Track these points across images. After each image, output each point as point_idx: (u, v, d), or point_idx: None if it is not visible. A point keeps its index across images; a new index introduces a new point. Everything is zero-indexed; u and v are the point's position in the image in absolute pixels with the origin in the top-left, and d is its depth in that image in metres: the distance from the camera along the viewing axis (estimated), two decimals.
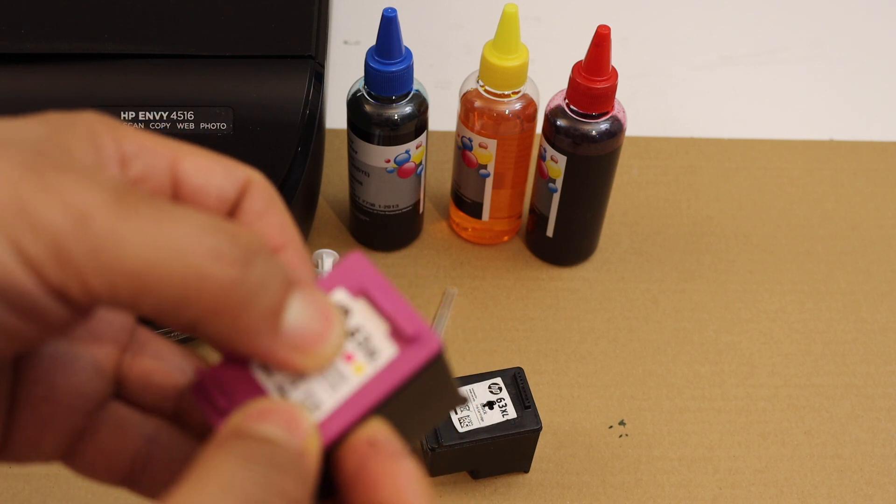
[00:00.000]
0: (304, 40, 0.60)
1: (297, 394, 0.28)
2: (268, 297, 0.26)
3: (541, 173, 0.66)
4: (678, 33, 0.89)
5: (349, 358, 0.29)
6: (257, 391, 0.28)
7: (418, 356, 0.28)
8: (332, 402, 0.28)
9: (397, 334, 0.29)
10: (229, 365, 0.29)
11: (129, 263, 0.24)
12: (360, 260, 0.30)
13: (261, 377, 0.29)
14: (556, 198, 0.66)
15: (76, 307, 0.25)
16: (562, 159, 0.64)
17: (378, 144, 0.63)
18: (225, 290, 0.25)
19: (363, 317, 0.29)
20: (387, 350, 0.29)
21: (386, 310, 0.29)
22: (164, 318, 0.26)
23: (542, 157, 0.66)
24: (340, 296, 0.29)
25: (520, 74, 0.62)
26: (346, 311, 0.29)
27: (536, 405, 0.57)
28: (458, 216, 0.71)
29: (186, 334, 0.30)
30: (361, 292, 0.29)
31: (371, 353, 0.29)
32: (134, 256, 0.24)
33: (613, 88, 0.61)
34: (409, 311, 0.29)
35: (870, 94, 0.84)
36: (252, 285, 0.26)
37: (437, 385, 0.30)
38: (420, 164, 0.66)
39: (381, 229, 0.69)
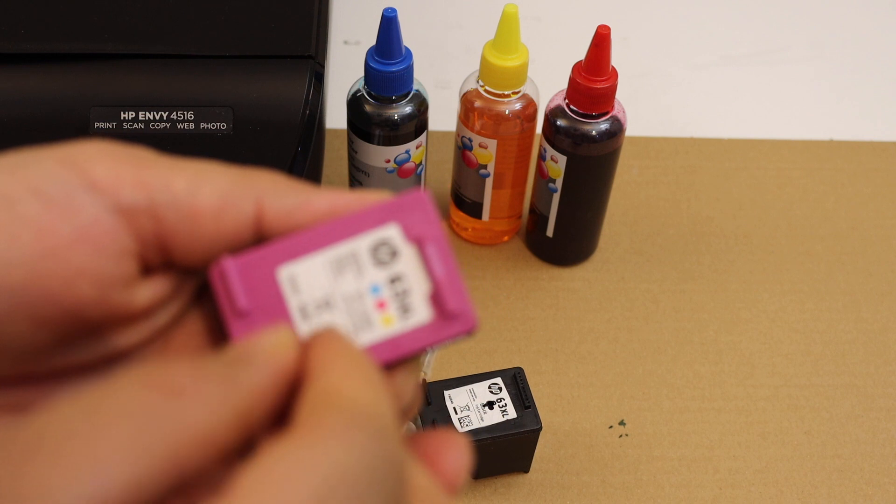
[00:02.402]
0: (304, 40, 0.60)
1: (319, 322, 0.27)
2: None
3: (541, 173, 0.66)
4: (678, 33, 0.88)
5: (381, 305, 0.27)
6: (279, 304, 0.27)
7: (450, 331, 0.27)
8: None
9: (438, 302, 0.27)
10: (258, 260, 0.27)
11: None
12: (425, 203, 0.27)
13: (287, 289, 0.27)
14: (556, 198, 0.66)
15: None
16: (562, 159, 0.64)
17: (378, 144, 0.63)
18: None
19: (409, 267, 0.27)
20: (421, 312, 0.27)
21: (436, 275, 0.27)
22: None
23: (542, 157, 0.66)
24: (392, 233, 0.27)
25: (520, 74, 0.62)
26: (393, 253, 0.27)
27: (536, 405, 0.57)
28: (458, 216, 0.71)
29: None
30: (417, 241, 0.27)
31: (405, 310, 0.27)
32: None
33: (613, 88, 0.61)
34: (457, 283, 0.27)
35: (870, 94, 0.84)
36: None
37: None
38: (420, 164, 0.66)
39: None
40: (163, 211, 0.26)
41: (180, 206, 0.26)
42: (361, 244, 0.27)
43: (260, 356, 0.24)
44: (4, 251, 0.24)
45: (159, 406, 0.22)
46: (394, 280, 0.27)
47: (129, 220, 0.26)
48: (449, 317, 0.27)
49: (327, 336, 0.25)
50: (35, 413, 0.22)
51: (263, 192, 0.27)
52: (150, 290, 0.27)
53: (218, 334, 0.29)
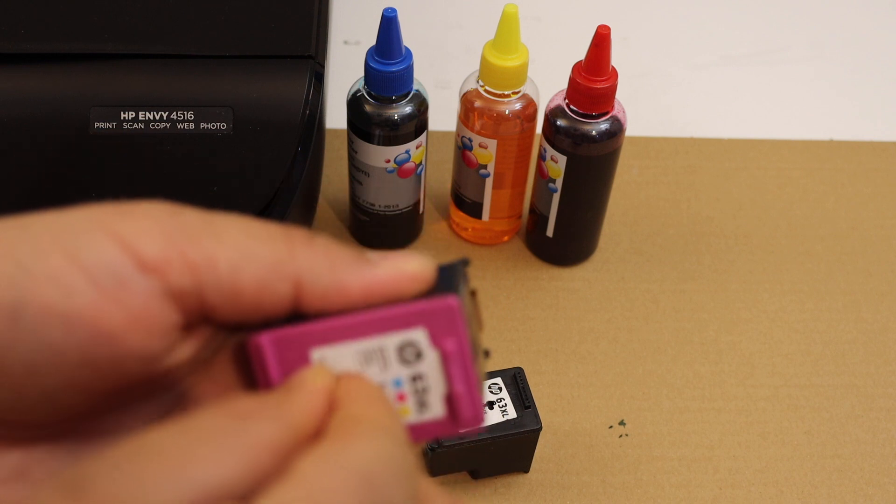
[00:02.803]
0: (304, 40, 0.60)
1: None
2: None
3: (541, 173, 0.66)
4: (678, 33, 0.89)
5: (401, 398, 0.30)
6: None
7: (458, 429, 0.30)
8: None
9: (452, 405, 0.30)
10: (293, 338, 0.29)
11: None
12: (454, 312, 0.30)
13: None
14: (556, 198, 0.66)
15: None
16: (562, 159, 0.64)
17: (378, 144, 0.63)
18: None
19: (430, 368, 0.30)
20: (436, 409, 0.30)
21: (455, 388, 0.30)
22: None
23: (542, 157, 0.66)
24: (419, 336, 0.29)
25: (520, 74, 0.62)
26: (417, 355, 0.30)
27: (536, 405, 0.57)
28: (458, 216, 0.71)
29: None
30: (441, 349, 0.30)
31: (422, 405, 0.30)
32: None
33: (613, 88, 0.61)
34: (474, 394, 0.30)
35: (870, 94, 0.84)
36: None
37: None
38: (420, 164, 0.66)
39: (381, 229, 0.69)
40: (207, 290, 0.28)
41: (223, 285, 0.28)
42: (390, 342, 0.30)
43: (307, 383, 0.28)
44: (61, 340, 0.27)
45: (235, 426, 0.25)
46: (415, 378, 0.30)
47: (177, 300, 0.28)
48: (461, 421, 0.30)
49: (352, 377, 0.29)
50: (123, 439, 0.25)
51: (302, 272, 0.29)
52: (190, 347, 0.30)
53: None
